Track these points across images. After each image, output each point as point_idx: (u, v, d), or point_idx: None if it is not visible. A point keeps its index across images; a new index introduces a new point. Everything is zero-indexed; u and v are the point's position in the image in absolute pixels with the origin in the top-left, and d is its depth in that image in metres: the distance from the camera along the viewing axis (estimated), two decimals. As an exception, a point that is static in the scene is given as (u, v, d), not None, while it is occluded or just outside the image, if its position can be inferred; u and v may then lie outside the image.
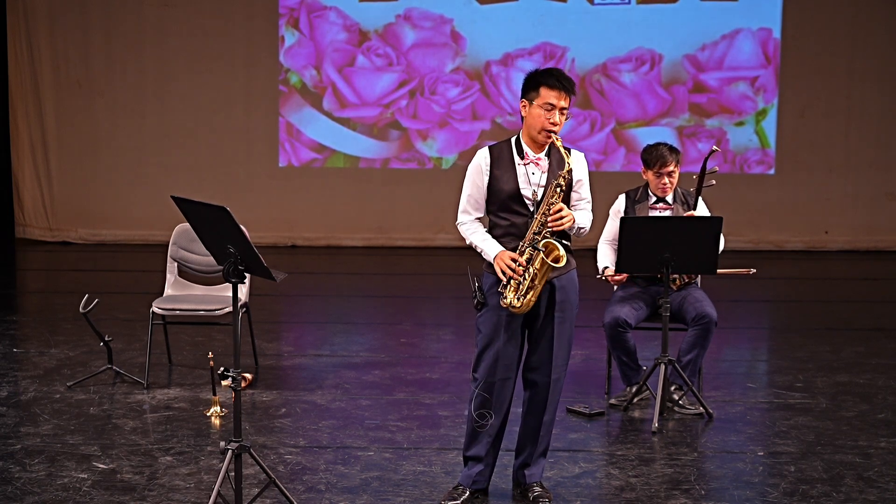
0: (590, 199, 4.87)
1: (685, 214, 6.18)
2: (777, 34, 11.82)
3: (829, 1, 11.81)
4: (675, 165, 6.24)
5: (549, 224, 4.64)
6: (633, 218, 6.00)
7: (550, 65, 11.91)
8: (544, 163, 4.75)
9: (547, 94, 4.70)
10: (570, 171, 4.69)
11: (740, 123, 11.97)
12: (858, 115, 11.91)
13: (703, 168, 6.15)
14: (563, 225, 4.63)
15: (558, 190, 4.67)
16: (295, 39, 12.14)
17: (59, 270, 11.27)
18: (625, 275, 6.20)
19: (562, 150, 4.72)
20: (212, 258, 4.82)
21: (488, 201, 4.81)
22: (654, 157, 6.23)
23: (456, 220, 4.90)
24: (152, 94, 12.23)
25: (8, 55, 12.29)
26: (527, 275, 4.66)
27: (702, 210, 6.28)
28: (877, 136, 11.94)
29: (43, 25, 12.14)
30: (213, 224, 4.54)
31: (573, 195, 4.80)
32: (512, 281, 4.67)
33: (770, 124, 11.96)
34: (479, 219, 4.86)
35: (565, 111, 4.72)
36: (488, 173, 4.77)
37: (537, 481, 4.95)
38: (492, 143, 4.99)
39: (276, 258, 10.78)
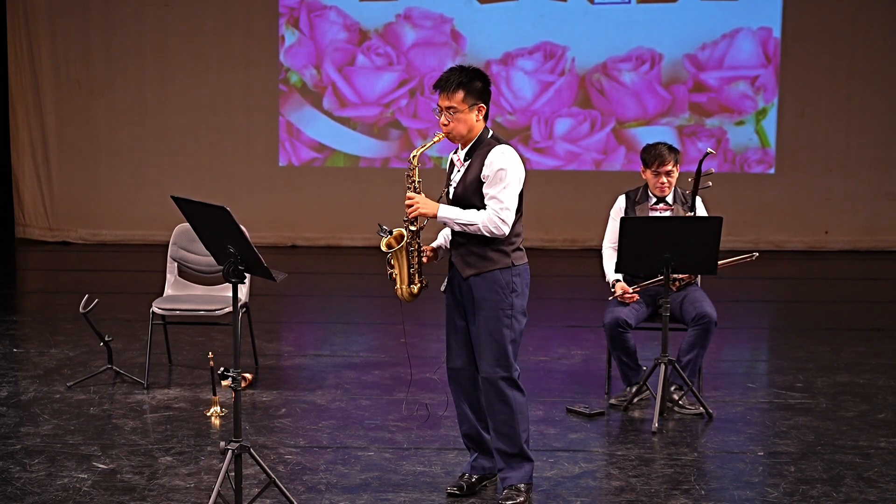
0: (498, 197, 4.69)
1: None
2: (777, 34, 11.82)
3: (829, 1, 11.80)
4: (674, 165, 6.23)
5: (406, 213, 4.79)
6: (633, 218, 6.00)
7: (550, 65, 11.92)
8: (468, 161, 4.79)
9: (438, 97, 4.80)
10: (412, 165, 4.77)
11: (740, 123, 11.97)
12: (858, 115, 11.90)
13: (699, 171, 6.15)
14: (410, 213, 4.76)
15: (409, 180, 4.79)
16: (295, 39, 12.14)
17: (59, 270, 11.26)
18: (636, 296, 6.21)
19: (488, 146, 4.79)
20: (212, 258, 4.82)
21: None
22: (653, 155, 6.23)
23: None
24: (152, 94, 12.23)
25: (8, 55, 12.29)
26: (391, 262, 4.87)
27: (700, 211, 6.27)
28: (877, 136, 11.94)
29: (43, 25, 12.13)
30: (213, 224, 4.54)
31: (483, 190, 4.77)
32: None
33: (770, 124, 11.96)
34: None
35: (454, 111, 4.72)
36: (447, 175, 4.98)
37: (511, 485, 4.88)
38: None
39: (276, 258, 10.78)
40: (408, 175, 4.79)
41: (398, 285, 4.87)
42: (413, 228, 4.81)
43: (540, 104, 12.02)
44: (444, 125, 4.75)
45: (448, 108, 4.72)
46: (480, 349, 4.81)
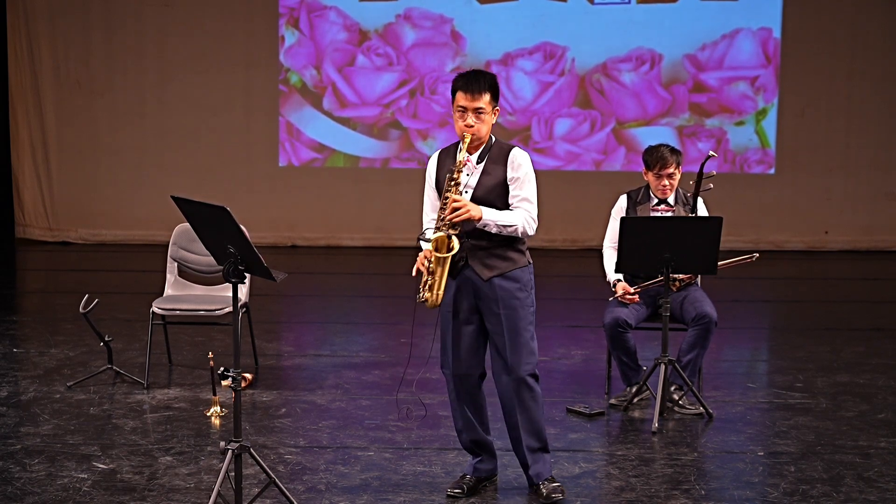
0: (529, 198, 4.78)
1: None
2: (777, 34, 11.82)
3: (829, 1, 11.80)
4: (676, 167, 6.23)
5: (447, 217, 4.68)
6: (633, 218, 6.00)
7: (550, 65, 11.92)
8: (481, 164, 4.78)
9: (458, 98, 4.76)
10: (461, 164, 4.69)
11: (740, 123, 11.97)
12: (858, 115, 11.90)
13: (700, 173, 6.14)
14: (459, 216, 4.65)
15: (452, 182, 4.71)
16: (295, 39, 12.14)
17: (59, 270, 11.27)
18: (637, 297, 6.21)
19: (502, 148, 4.80)
20: (212, 258, 4.82)
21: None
22: (655, 158, 6.23)
23: None
24: (152, 94, 12.23)
25: (8, 55, 12.29)
26: (431, 269, 4.73)
27: (701, 212, 6.27)
28: (877, 136, 11.94)
29: (43, 25, 12.14)
30: (213, 224, 4.54)
31: (511, 192, 4.79)
32: (423, 276, 4.74)
33: (770, 124, 11.96)
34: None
35: (482, 112, 4.72)
36: (434, 176, 4.90)
37: (547, 477, 4.98)
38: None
39: (276, 258, 10.78)
40: (452, 178, 4.72)
41: (435, 292, 4.73)
42: (453, 233, 4.70)
43: (540, 104, 12.02)
44: (470, 126, 4.72)
45: (477, 109, 4.72)
46: (509, 349, 4.82)
